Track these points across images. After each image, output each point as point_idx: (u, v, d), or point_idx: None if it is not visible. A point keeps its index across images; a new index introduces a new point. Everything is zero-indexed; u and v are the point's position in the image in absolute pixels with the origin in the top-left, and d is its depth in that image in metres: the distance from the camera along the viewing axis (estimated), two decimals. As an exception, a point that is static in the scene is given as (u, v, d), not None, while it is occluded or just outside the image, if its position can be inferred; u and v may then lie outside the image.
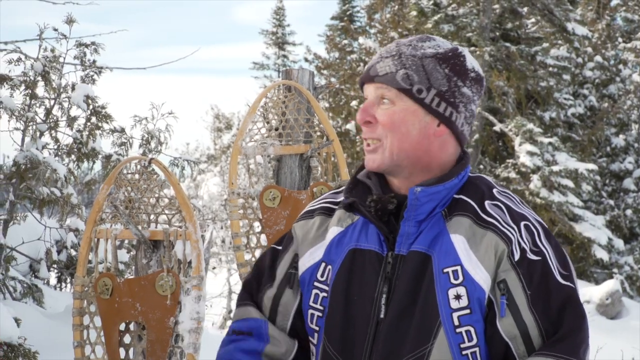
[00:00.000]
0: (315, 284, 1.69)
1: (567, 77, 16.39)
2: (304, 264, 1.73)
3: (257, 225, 3.55)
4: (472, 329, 1.54)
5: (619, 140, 16.64)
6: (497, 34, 15.03)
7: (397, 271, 1.60)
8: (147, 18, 58.08)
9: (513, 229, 1.57)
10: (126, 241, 5.68)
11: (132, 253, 5.66)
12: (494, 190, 1.65)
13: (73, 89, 5.61)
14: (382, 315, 1.59)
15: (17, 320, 4.23)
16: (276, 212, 3.47)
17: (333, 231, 1.71)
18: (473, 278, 1.54)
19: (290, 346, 1.73)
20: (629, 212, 16.10)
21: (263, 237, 3.48)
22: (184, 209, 3.16)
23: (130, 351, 3.22)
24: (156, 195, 3.26)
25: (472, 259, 1.55)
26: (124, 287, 3.15)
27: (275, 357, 1.72)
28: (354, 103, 17.67)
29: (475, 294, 1.54)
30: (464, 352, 1.54)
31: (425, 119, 1.61)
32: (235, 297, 12.33)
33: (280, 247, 1.82)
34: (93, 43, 5.78)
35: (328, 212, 1.75)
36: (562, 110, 16.36)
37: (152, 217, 3.25)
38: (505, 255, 1.55)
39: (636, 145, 16.94)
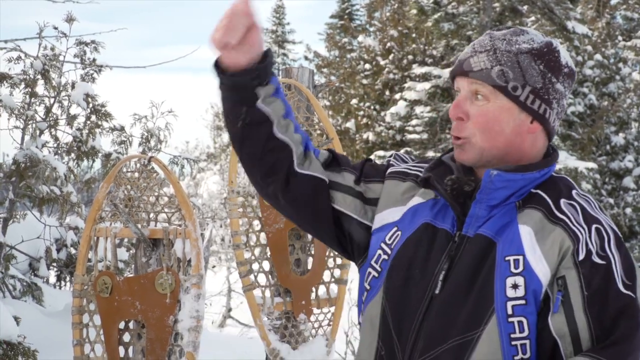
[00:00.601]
0: (382, 244, 1.70)
1: (567, 75, 16.37)
2: (383, 219, 1.74)
3: (256, 224, 3.55)
4: (524, 320, 1.52)
5: (619, 139, 16.65)
6: (497, 32, 15.01)
7: (460, 251, 1.60)
8: (150, 18, 58.09)
9: (583, 229, 1.56)
10: (126, 239, 5.68)
11: (131, 251, 5.66)
12: (573, 192, 1.64)
13: (73, 87, 5.60)
14: (437, 291, 1.59)
15: (16, 319, 4.23)
16: (276, 211, 3.46)
17: (415, 200, 1.71)
18: (533, 269, 1.53)
19: (315, 179, 1.74)
20: (628, 210, 16.11)
21: (262, 235, 3.48)
22: (184, 207, 3.16)
23: (130, 349, 3.23)
24: (156, 193, 3.26)
25: (536, 251, 1.54)
26: (123, 285, 3.16)
27: (298, 158, 1.73)
28: (353, 101, 17.68)
29: (532, 286, 1.53)
30: (513, 343, 1.52)
31: (519, 117, 1.61)
32: (234, 295, 12.29)
33: (374, 172, 1.81)
34: (93, 41, 5.77)
35: (419, 182, 1.75)
36: (562, 109, 16.35)
37: (151, 215, 3.25)
38: (569, 252, 1.54)
39: (636, 143, 16.95)
